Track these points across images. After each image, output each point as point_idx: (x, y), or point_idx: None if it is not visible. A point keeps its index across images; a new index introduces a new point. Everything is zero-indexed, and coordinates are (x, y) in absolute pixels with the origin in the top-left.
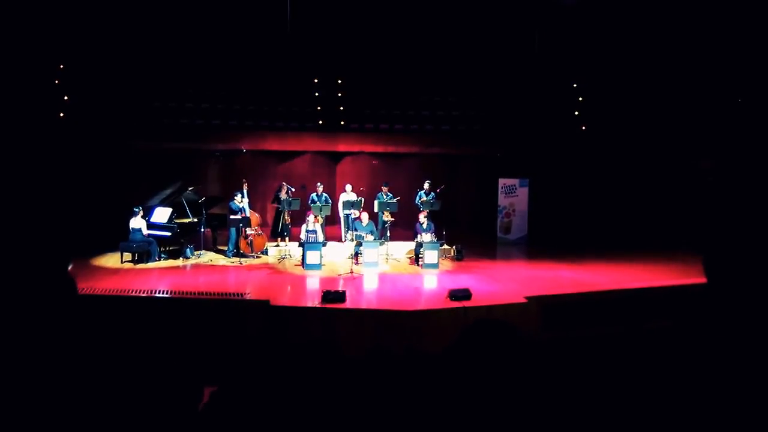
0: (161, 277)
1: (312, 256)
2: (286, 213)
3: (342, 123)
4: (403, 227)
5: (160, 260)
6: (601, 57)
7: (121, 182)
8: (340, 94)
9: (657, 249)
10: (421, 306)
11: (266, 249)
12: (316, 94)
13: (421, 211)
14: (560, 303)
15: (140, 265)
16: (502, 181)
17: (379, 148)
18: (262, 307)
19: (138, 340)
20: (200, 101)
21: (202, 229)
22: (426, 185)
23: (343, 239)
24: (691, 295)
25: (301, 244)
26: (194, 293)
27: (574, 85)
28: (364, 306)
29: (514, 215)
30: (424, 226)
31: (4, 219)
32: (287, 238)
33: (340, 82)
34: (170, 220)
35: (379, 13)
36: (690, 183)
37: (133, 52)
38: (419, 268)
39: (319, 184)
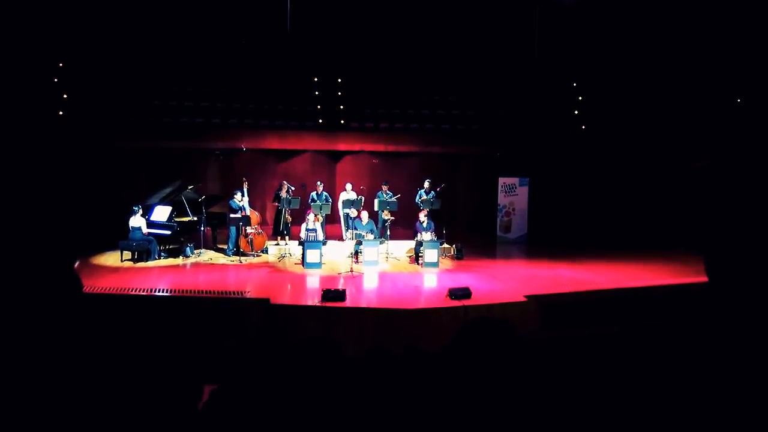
0: (161, 276)
1: (312, 255)
2: (286, 211)
3: (342, 122)
4: (403, 226)
5: (160, 259)
6: (600, 56)
7: (121, 180)
8: (340, 93)
9: (656, 248)
10: (421, 305)
11: (266, 248)
12: (316, 92)
13: (421, 210)
14: (560, 302)
15: (140, 264)
16: (502, 180)
17: (379, 147)
18: (262, 305)
19: (138, 338)
20: (200, 100)
21: (202, 228)
22: (426, 184)
23: (343, 238)
24: (690, 294)
25: (301, 243)
26: (194, 292)
27: (574, 85)
28: (364, 305)
29: (513, 214)
30: (424, 224)
31: (9, 217)
32: (287, 237)
33: (340, 81)
34: (170, 218)
35: (379, 12)
36: (689, 182)
37: (132, 51)
38: (419, 266)
39: (319, 182)
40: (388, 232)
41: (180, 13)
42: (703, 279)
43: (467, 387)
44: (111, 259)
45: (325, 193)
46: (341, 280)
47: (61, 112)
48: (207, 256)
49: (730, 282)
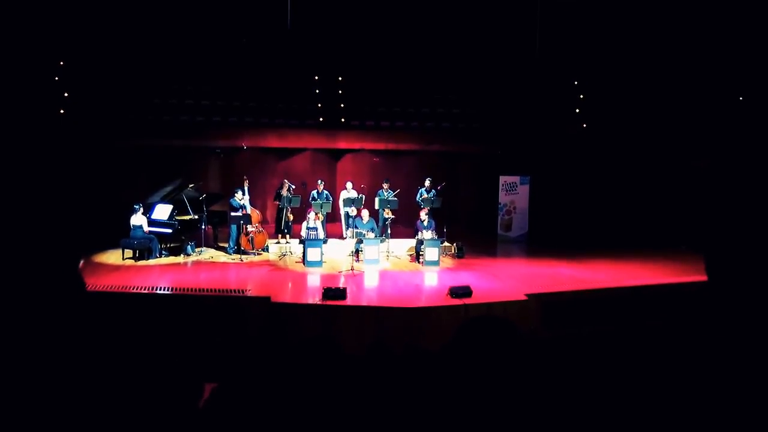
0: (162, 274)
1: (313, 253)
2: (288, 210)
3: (342, 120)
4: (403, 224)
5: (161, 257)
6: (602, 55)
7: (122, 179)
8: (340, 91)
9: (657, 247)
10: (422, 303)
11: (267, 246)
12: (317, 91)
13: (422, 209)
14: (560, 300)
15: (141, 262)
16: (502, 179)
17: (380, 146)
18: (263, 303)
19: (139, 336)
20: (200, 98)
21: (203, 226)
22: (427, 182)
23: (344, 236)
24: (690, 293)
25: (302, 241)
26: (195, 290)
27: (575, 83)
28: (364, 303)
29: (514, 213)
30: (425, 223)
31: (13, 216)
32: (289, 235)
33: (340, 79)
34: (171, 217)
35: (379, 11)
36: (690, 181)
37: (133, 50)
38: (420, 265)
39: (320, 181)
40: (389, 231)
41: (180, 12)
42: (704, 278)
43: (467, 385)
44: (112, 257)
45: (325, 192)
46: (342, 279)
47: (62, 111)
48: (208, 254)
49: (729, 281)
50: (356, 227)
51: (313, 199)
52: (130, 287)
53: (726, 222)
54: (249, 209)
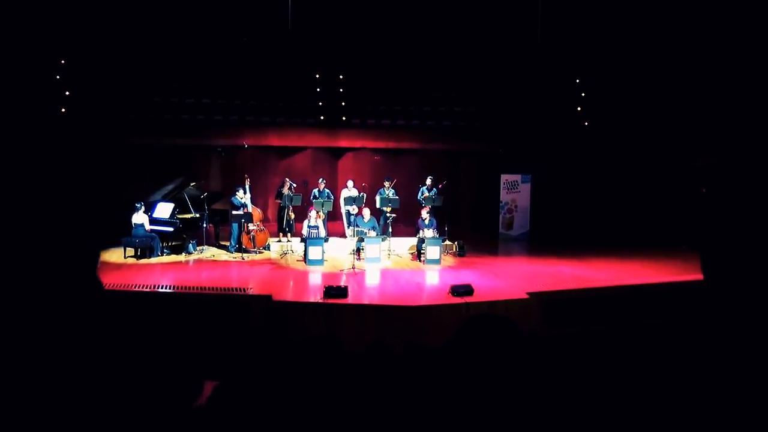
0: (164, 273)
1: (314, 252)
2: (289, 209)
3: (343, 119)
4: (405, 223)
5: (162, 255)
6: (603, 52)
7: (123, 177)
8: (341, 90)
9: (658, 246)
10: (423, 301)
11: (268, 244)
12: (318, 89)
13: (423, 207)
14: (562, 299)
15: (143, 261)
16: (504, 177)
17: (381, 144)
18: (264, 302)
19: (141, 334)
20: (201, 97)
21: (205, 225)
22: (428, 181)
23: (345, 235)
24: (691, 292)
25: (303, 240)
26: (197, 288)
27: (577, 81)
28: (366, 301)
29: (516, 211)
30: (426, 221)
31: (27, 216)
32: (290, 234)
33: (341, 77)
34: (172, 215)
35: (380, 8)
36: (692, 180)
37: (134, 48)
38: (421, 263)
39: (321, 179)
40: (390, 229)
41: (181, 10)
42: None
43: (468, 382)
44: (114, 255)
45: (327, 190)
46: (343, 277)
47: (63, 110)
48: (209, 252)
49: (727, 279)
50: (357, 226)
51: (315, 197)
52: (131, 286)
53: (722, 220)
54: (250, 208)
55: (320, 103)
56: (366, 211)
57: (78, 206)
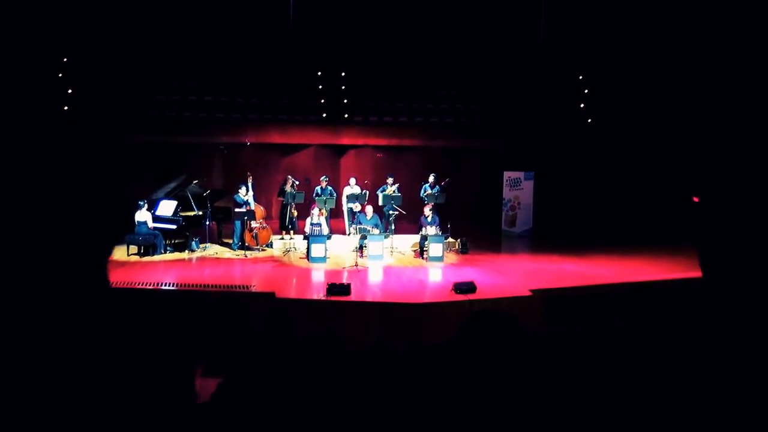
0: (167, 270)
1: (317, 249)
2: (292, 206)
3: (345, 116)
4: (407, 220)
5: (165, 253)
6: (606, 49)
7: (126, 175)
8: (343, 87)
9: (662, 243)
10: (426, 299)
11: (271, 242)
12: (320, 87)
13: (425, 204)
14: (565, 296)
15: (146, 258)
16: (507, 174)
17: (383, 141)
18: (267, 299)
19: (144, 332)
20: (204, 94)
21: (208, 222)
22: (431, 178)
23: (347, 232)
24: (694, 289)
25: (306, 237)
26: (200, 286)
27: (580, 78)
28: (369, 299)
29: (519, 208)
30: (429, 219)
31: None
32: (293, 232)
33: (343, 74)
34: (175, 213)
35: (382, 5)
36: (694, 178)
37: (136, 46)
38: (424, 261)
39: (323, 177)
40: (393, 227)
41: (182, 8)
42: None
43: (471, 378)
44: (117, 253)
45: (329, 188)
46: (346, 274)
47: (65, 107)
48: (212, 250)
49: (725, 277)
50: (360, 223)
51: (317, 195)
52: (135, 283)
53: (720, 219)
54: (253, 205)
55: (322, 101)
56: (369, 209)
57: (85, 204)
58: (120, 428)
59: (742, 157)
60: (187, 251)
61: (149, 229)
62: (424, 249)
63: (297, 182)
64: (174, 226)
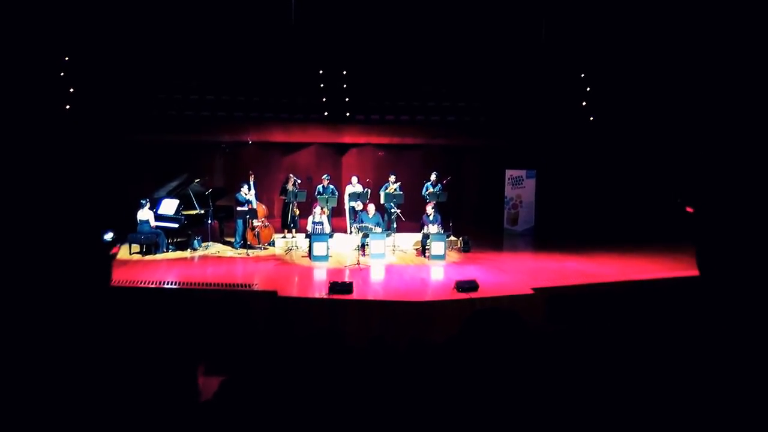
0: (169, 269)
1: (319, 248)
2: (294, 205)
3: (347, 114)
4: (409, 219)
5: (168, 252)
6: (608, 47)
7: (128, 174)
8: (345, 86)
9: (663, 241)
10: (428, 297)
11: (273, 240)
12: (321, 85)
13: (427, 203)
14: (567, 294)
15: (148, 257)
16: (509, 173)
17: (385, 140)
18: (269, 298)
19: (146, 330)
20: (205, 93)
21: (210, 221)
22: (433, 177)
23: (348, 231)
24: (695, 288)
25: (308, 236)
26: (202, 284)
27: (582, 76)
28: (371, 297)
29: (521, 206)
30: (431, 217)
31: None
32: (295, 230)
33: (345, 73)
34: (177, 211)
35: (383, 4)
36: (695, 176)
37: (138, 45)
38: (426, 259)
39: (325, 176)
40: (395, 225)
41: (184, 7)
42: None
43: (474, 375)
44: (120, 252)
45: (331, 186)
46: (348, 273)
47: (67, 106)
48: (214, 249)
49: (721, 275)
50: (362, 221)
51: (319, 193)
52: (137, 282)
53: (718, 218)
54: (255, 204)
55: (324, 99)
56: (371, 207)
57: (88, 203)
58: (123, 426)
59: (742, 157)
60: (189, 250)
61: (151, 227)
62: (426, 247)
63: (299, 181)
64: (176, 225)
